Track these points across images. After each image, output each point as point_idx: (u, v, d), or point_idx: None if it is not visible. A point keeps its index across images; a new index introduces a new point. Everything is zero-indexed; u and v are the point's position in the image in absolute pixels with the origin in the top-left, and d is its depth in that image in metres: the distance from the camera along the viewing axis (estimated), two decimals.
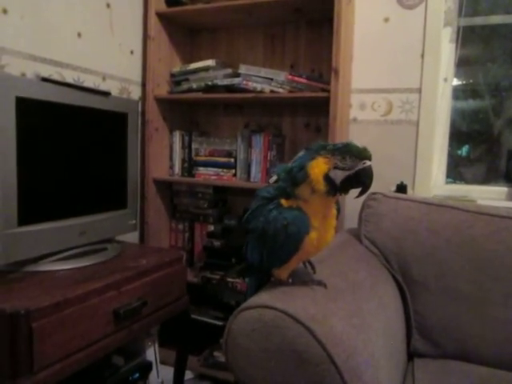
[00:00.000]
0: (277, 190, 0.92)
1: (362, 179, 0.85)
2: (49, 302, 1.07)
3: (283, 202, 0.89)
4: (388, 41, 1.89)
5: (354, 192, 0.90)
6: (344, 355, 0.79)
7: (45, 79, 1.45)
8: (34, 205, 1.30)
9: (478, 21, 1.88)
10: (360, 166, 0.84)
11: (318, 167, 0.85)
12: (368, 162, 0.84)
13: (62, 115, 1.38)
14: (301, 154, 0.90)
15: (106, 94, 1.55)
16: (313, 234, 0.88)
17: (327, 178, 0.84)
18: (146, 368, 1.70)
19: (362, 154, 0.85)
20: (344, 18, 1.68)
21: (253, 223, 0.93)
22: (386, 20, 1.89)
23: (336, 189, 0.85)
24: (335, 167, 0.85)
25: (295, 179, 0.88)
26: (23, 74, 1.52)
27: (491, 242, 1.30)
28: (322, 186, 0.85)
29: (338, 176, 0.84)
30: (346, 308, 0.93)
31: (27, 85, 1.29)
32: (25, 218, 1.25)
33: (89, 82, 1.80)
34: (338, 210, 0.95)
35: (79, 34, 1.75)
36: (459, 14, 1.85)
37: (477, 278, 1.28)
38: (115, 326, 1.28)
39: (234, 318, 0.87)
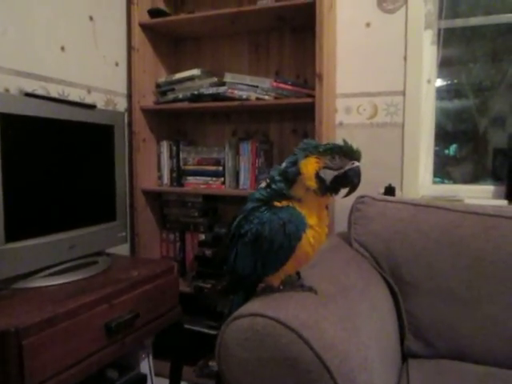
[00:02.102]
0: (270, 192, 0.92)
1: (350, 179, 0.87)
2: (39, 319, 1.06)
3: (277, 203, 0.89)
4: (370, 45, 1.91)
5: (344, 194, 0.91)
6: (337, 360, 0.79)
7: (28, 94, 1.44)
8: (22, 221, 1.29)
9: (459, 23, 1.91)
10: (349, 165, 0.86)
11: (311, 165, 0.87)
12: (356, 163, 0.86)
13: (47, 130, 1.37)
14: (294, 153, 0.91)
15: (92, 106, 1.55)
16: (309, 232, 0.88)
17: (318, 177, 0.86)
18: (141, 381, 1.69)
19: (351, 155, 0.87)
20: (326, 24, 1.69)
21: (245, 227, 0.91)
22: (368, 25, 1.91)
23: (326, 187, 0.87)
24: (325, 167, 0.87)
25: (288, 175, 0.89)
26: (7, 90, 1.51)
27: (479, 240, 1.31)
28: (313, 182, 0.86)
29: (328, 175, 0.86)
30: (337, 312, 0.93)
31: (11, 101, 1.28)
32: (12, 235, 1.24)
33: (74, 95, 1.79)
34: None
35: (63, 48, 1.75)
36: (439, 17, 1.88)
37: (466, 277, 1.29)
38: (107, 340, 1.27)
39: (226, 328, 0.87)
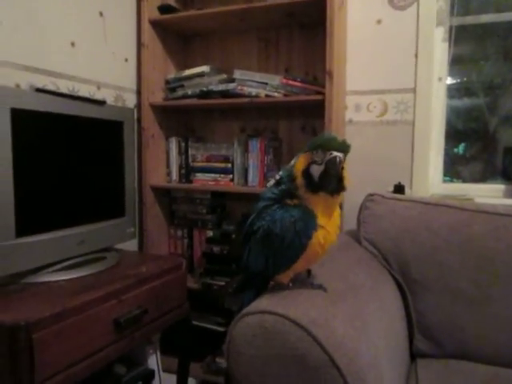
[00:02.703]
0: (281, 191, 0.91)
1: (328, 171, 0.83)
2: (49, 313, 1.07)
3: (288, 201, 0.89)
4: (381, 42, 1.90)
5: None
6: (346, 358, 0.79)
7: (39, 90, 1.45)
8: (32, 216, 1.30)
9: (470, 20, 1.89)
10: (327, 157, 0.83)
11: (300, 163, 0.87)
12: (335, 153, 0.82)
13: (57, 125, 1.38)
14: None
15: (101, 102, 1.56)
16: (320, 232, 0.87)
17: (307, 173, 0.85)
18: (149, 376, 1.69)
19: (328, 146, 0.84)
20: (336, 21, 1.68)
21: (257, 224, 0.91)
22: (379, 22, 1.90)
23: (314, 184, 0.85)
24: (313, 162, 0.85)
25: (290, 177, 0.89)
26: (18, 85, 1.52)
27: (490, 240, 1.30)
28: (300, 180, 0.86)
29: (315, 170, 0.84)
30: (347, 311, 0.92)
31: (22, 96, 1.29)
32: (23, 229, 1.24)
33: (84, 91, 1.80)
34: (340, 207, 0.95)
35: (73, 44, 1.76)
36: (451, 14, 1.86)
37: (476, 277, 1.28)
38: (116, 335, 1.27)
39: (235, 325, 0.87)
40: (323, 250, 0.91)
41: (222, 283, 1.94)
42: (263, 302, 0.88)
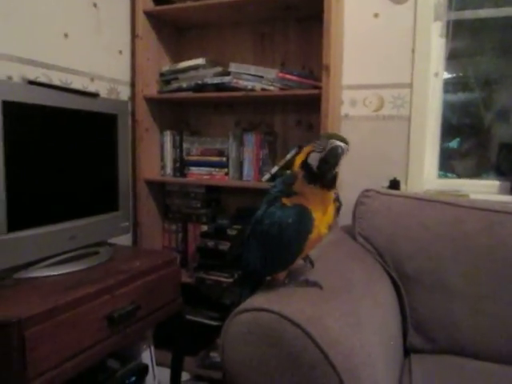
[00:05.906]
0: (276, 192, 0.94)
1: (328, 158, 0.84)
2: (41, 309, 1.06)
3: (285, 200, 0.90)
4: (378, 36, 1.88)
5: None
6: (341, 356, 0.79)
7: (31, 82, 1.42)
8: (24, 210, 1.28)
9: (468, 14, 1.87)
10: (329, 145, 0.84)
11: (301, 155, 0.89)
12: (338, 142, 0.84)
13: (50, 118, 1.36)
14: None
15: (95, 95, 1.54)
16: (313, 233, 0.88)
17: (306, 164, 0.87)
18: (142, 371, 1.68)
19: (332, 135, 0.87)
20: (334, 14, 1.66)
21: (258, 229, 0.93)
22: (376, 15, 1.88)
23: (314, 174, 0.85)
24: (312, 151, 0.87)
25: (287, 176, 0.91)
26: (10, 78, 1.49)
27: (484, 236, 1.30)
28: (299, 172, 0.87)
29: (313, 158, 0.86)
30: (341, 308, 0.92)
31: (14, 88, 1.27)
32: (14, 224, 1.23)
33: (77, 83, 1.77)
34: (339, 208, 0.96)
35: (66, 35, 1.73)
36: (449, 8, 1.85)
37: (470, 273, 1.28)
38: (109, 331, 1.27)
39: (230, 322, 0.86)
40: (313, 247, 0.94)
41: (216, 278, 1.94)
42: (258, 299, 0.88)
